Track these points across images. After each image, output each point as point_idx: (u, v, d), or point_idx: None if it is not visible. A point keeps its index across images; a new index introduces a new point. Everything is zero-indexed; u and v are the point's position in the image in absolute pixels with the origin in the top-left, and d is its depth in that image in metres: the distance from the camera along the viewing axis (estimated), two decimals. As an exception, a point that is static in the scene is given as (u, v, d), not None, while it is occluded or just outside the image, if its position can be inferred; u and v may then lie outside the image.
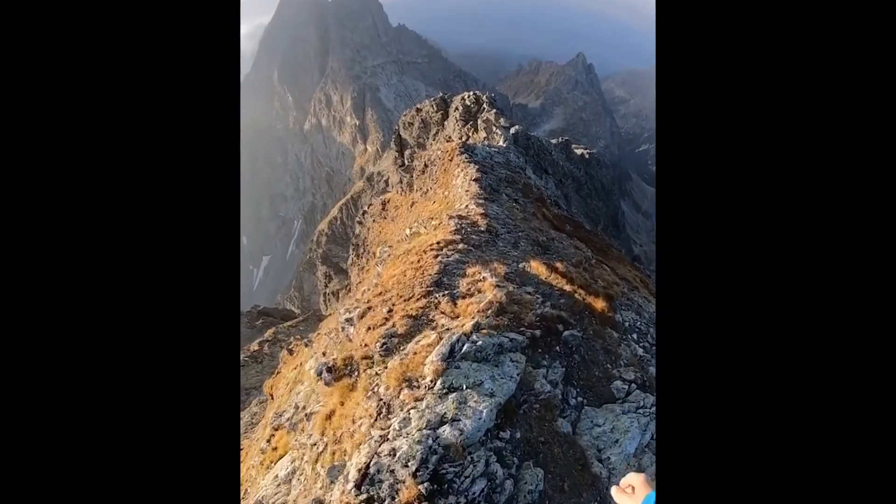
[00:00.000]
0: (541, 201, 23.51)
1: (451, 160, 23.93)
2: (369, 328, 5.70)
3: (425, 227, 11.88)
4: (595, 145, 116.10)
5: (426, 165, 27.34)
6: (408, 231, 13.10)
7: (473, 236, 9.77)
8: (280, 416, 8.66)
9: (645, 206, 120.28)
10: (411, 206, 24.82)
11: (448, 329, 5.09)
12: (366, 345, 5.29)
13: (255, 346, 37.48)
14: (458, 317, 5.69)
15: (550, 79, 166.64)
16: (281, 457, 7.35)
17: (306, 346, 17.06)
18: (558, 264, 9.57)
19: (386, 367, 4.68)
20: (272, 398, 18.29)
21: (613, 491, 1.74)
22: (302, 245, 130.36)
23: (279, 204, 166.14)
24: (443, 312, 5.78)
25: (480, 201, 13.95)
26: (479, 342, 4.50)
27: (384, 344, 5.14)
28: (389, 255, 12.10)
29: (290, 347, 22.60)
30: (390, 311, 5.98)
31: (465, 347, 4.39)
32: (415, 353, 4.49)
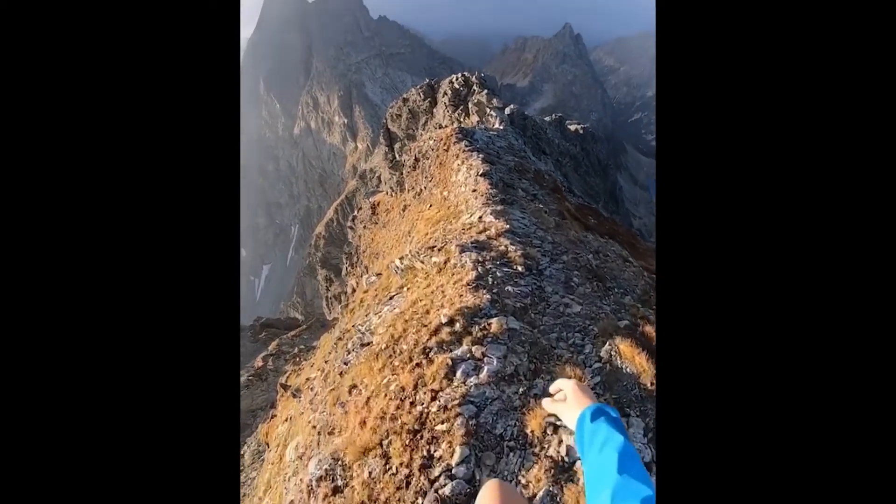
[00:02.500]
0: (558, 191, 18.96)
1: (446, 150, 19.17)
2: None
3: (422, 261, 7.46)
4: (588, 119, 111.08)
5: (417, 160, 22.58)
6: (398, 263, 8.65)
7: (508, 287, 5.39)
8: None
9: (641, 178, 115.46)
10: (403, 211, 20.36)
11: None
12: None
13: (258, 363, 34.49)
14: None
15: (538, 55, 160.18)
16: None
17: (294, 396, 13.07)
18: (647, 326, 5.37)
19: None
20: (269, 447, 14.72)
21: (545, 403, 1.55)
22: (301, 250, 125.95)
23: (275, 212, 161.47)
24: None
25: (498, 207, 9.53)
26: None
27: None
28: (372, 312, 7.75)
29: (283, 381, 18.95)
30: None
31: None
32: None
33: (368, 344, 5.14)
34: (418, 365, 3.82)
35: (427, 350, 3.99)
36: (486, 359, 3.75)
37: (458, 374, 3.57)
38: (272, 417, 16.64)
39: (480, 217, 8.81)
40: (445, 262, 6.39)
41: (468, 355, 3.82)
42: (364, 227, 27.10)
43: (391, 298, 7.18)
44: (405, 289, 7.35)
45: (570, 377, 3.86)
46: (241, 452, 20.14)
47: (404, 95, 39.40)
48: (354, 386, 4.51)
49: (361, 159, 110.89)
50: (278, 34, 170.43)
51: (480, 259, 6.00)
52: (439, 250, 7.05)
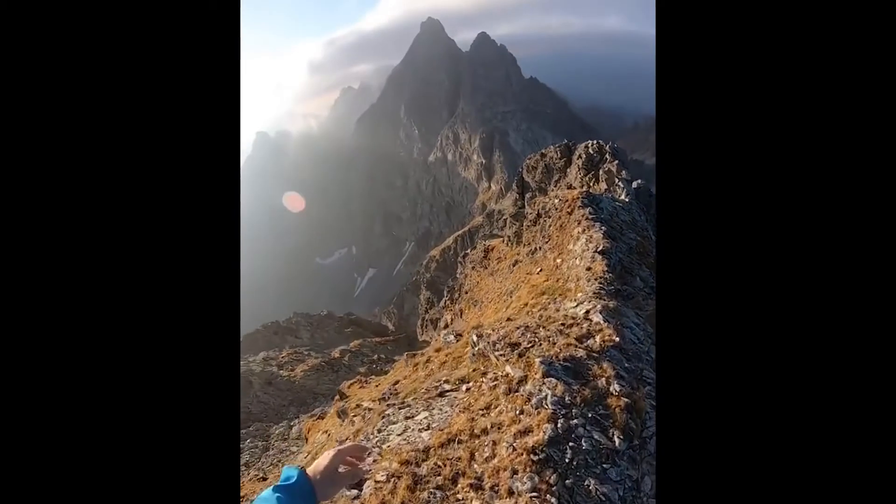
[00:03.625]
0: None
1: (570, 213, 16.94)
2: None
3: (497, 358, 5.34)
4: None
5: (539, 215, 20.46)
6: (475, 338, 6.60)
7: (590, 479, 3.22)
8: None
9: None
10: (513, 266, 18.21)
11: None
12: None
13: (336, 354, 34.33)
14: None
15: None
16: None
17: (339, 416, 11.94)
18: None
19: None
20: (307, 441, 14.94)
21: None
22: (410, 266, 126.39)
23: (393, 224, 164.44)
24: None
25: (610, 303, 7.16)
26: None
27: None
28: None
29: (344, 387, 17.92)
30: None
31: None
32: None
33: (357, 488, 3.16)
34: None
35: None
36: None
37: None
38: (320, 417, 16.32)
39: (588, 312, 6.49)
40: (520, 383, 4.21)
41: None
42: (473, 267, 25.41)
43: (442, 394, 5.16)
44: (465, 387, 5.31)
45: None
46: (290, 425, 20.20)
47: (543, 150, 37.77)
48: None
49: (493, 199, 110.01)
50: (425, 70, 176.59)
51: (567, 401, 3.79)
52: (521, 355, 4.90)
